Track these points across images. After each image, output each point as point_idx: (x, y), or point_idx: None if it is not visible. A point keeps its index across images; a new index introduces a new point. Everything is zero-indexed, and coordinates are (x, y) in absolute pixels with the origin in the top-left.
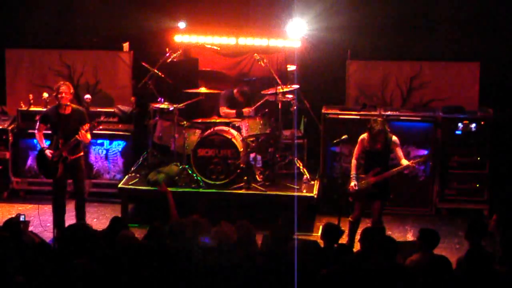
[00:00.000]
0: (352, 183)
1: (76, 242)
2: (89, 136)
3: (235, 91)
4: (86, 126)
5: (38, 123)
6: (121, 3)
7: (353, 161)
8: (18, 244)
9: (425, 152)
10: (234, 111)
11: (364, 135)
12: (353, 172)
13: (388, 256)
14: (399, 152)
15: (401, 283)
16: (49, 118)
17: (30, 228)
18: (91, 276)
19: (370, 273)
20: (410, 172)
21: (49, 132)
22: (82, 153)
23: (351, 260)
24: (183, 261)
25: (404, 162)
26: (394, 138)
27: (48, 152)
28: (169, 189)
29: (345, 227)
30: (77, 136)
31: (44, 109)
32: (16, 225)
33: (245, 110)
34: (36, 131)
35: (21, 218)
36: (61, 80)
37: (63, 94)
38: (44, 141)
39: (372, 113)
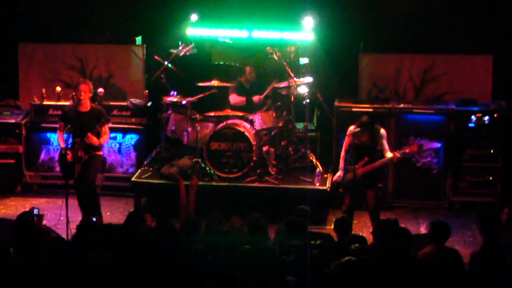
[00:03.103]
0: (337, 173)
1: (90, 237)
2: (104, 139)
3: (242, 79)
4: (96, 129)
5: (59, 122)
6: None
7: (342, 153)
8: (32, 237)
9: (438, 145)
10: (244, 98)
11: (351, 128)
12: (341, 164)
13: (402, 248)
14: (385, 144)
15: (414, 275)
16: (68, 115)
17: (44, 222)
18: (106, 270)
19: (384, 265)
20: (422, 165)
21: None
22: (99, 152)
23: (364, 252)
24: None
25: (389, 154)
26: (382, 131)
27: (67, 154)
28: (184, 182)
29: (357, 219)
30: (85, 139)
31: (58, 103)
32: (30, 219)
33: (255, 97)
34: (58, 131)
35: (35, 212)
36: (74, 74)
37: (82, 93)
38: (64, 141)
39: (385, 106)
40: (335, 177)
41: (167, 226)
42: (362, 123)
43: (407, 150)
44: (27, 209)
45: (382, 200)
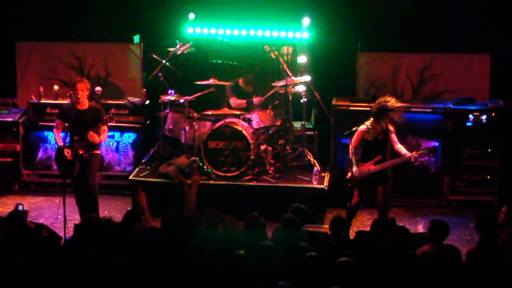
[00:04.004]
0: (354, 168)
1: (89, 235)
2: (103, 137)
3: (240, 81)
4: (98, 127)
5: (56, 120)
6: None
7: (351, 149)
8: (25, 235)
9: (436, 144)
10: (244, 100)
11: (363, 127)
12: (353, 159)
13: (401, 246)
14: (395, 138)
15: (412, 273)
16: (66, 114)
17: (41, 220)
18: (102, 269)
19: (383, 263)
20: (420, 164)
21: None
22: (97, 151)
23: (365, 251)
24: (195, 253)
25: (400, 148)
26: (390, 126)
27: (66, 152)
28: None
29: (355, 218)
30: (88, 136)
31: (56, 101)
32: (19, 217)
33: (255, 99)
34: (54, 129)
35: (20, 208)
36: (71, 73)
37: (79, 91)
38: (61, 139)
39: None
40: (353, 172)
41: (174, 220)
42: (380, 108)
43: (424, 151)
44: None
45: (391, 197)
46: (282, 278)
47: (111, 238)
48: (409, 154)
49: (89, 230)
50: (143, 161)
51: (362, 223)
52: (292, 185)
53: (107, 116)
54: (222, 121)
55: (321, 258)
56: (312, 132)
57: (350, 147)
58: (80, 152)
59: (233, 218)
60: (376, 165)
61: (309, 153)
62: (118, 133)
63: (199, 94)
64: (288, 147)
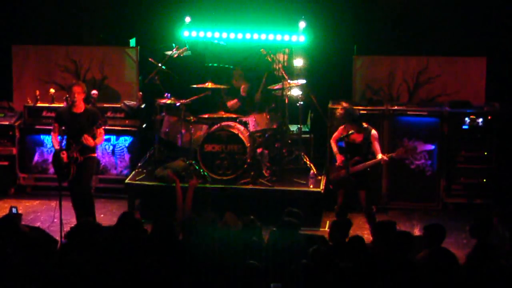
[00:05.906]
0: (337, 157)
1: (83, 238)
2: (99, 140)
3: (234, 82)
4: (93, 130)
5: (53, 124)
6: None
7: (332, 142)
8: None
9: (432, 147)
10: (236, 100)
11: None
12: (335, 150)
13: (402, 251)
14: (377, 146)
15: (411, 278)
16: (62, 117)
17: (37, 224)
18: (95, 271)
19: (383, 267)
20: (416, 167)
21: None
22: (94, 154)
23: (364, 254)
24: (192, 255)
25: (379, 156)
26: (374, 132)
27: (62, 155)
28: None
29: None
30: (81, 139)
31: (52, 105)
32: (13, 220)
33: (241, 88)
34: (51, 132)
35: (13, 211)
36: (67, 76)
37: (75, 94)
38: (58, 142)
39: (379, 108)
40: (333, 174)
41: (165, 225)
42: (343, 116)
43: (393, 155)
44: (19, 211)
45: (374, 200)
46: (275, 280)
47: (105, 242)
48: (381, 157)
49: (83, 233)
50: (139, 164)
51: (359, 226)
52: (288, 188)
53: (101, 119)
54: (218, 125)
55: (317, 263)
56: (308, 136)
57: (331, 140)
58: (75, 155)
59: (232, 215)
60: (354, 166)
61: (305, 156)
62: (114, 137)
63: (195, 97)
64: (284, 151)
